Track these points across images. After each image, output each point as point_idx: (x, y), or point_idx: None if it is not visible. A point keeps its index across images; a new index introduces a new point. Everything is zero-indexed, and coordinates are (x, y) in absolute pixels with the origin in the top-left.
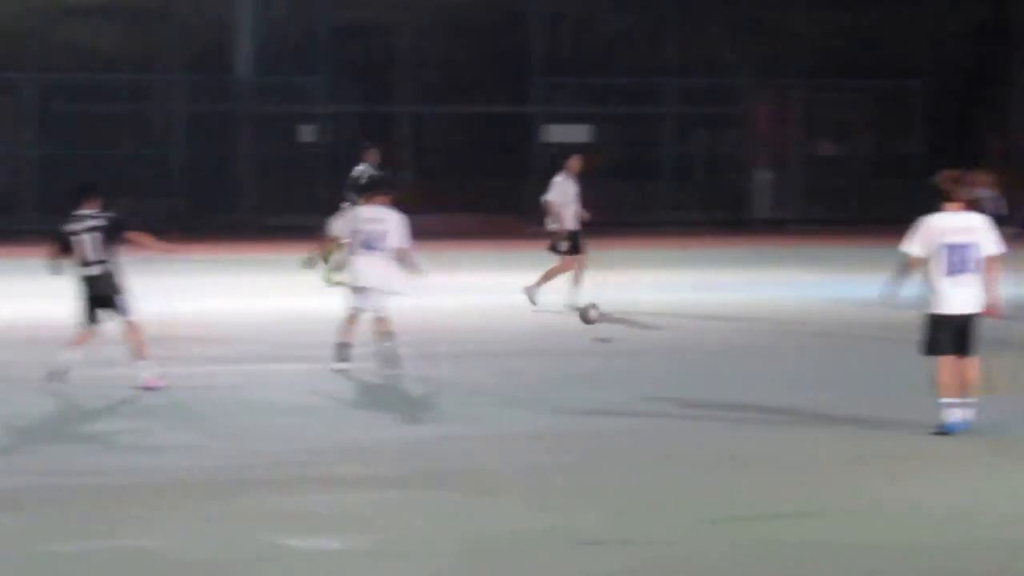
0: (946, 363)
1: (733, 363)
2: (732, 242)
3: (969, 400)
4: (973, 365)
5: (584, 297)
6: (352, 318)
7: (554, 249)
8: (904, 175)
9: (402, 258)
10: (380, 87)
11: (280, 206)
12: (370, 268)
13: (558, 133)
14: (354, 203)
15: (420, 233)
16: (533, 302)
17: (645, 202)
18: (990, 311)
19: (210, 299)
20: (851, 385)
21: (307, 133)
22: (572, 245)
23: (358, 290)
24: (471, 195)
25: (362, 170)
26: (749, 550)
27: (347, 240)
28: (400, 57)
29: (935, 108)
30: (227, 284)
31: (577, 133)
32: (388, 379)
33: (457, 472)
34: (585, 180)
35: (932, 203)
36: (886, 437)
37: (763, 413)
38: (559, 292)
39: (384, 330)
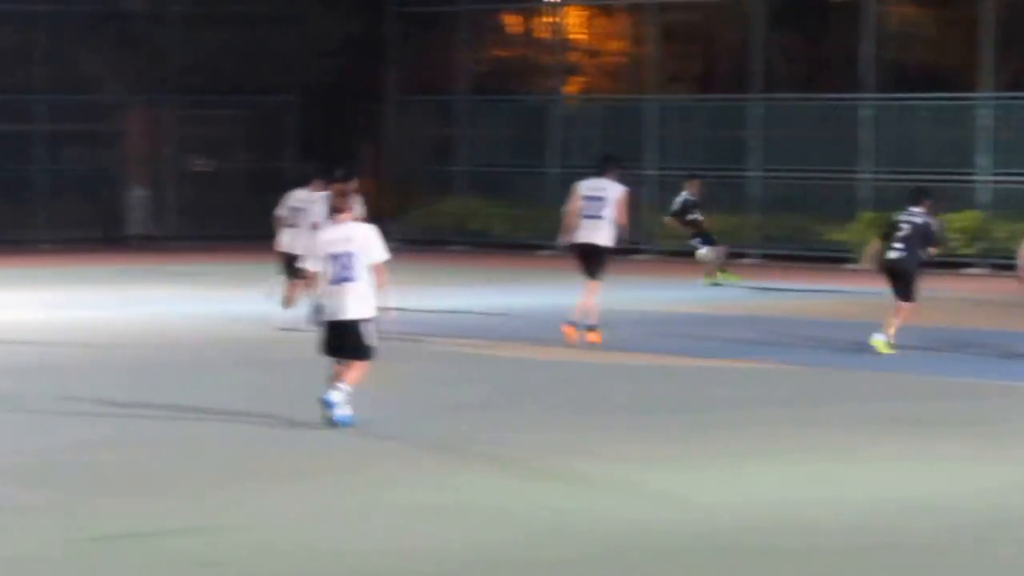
0: (337, 364)
1: (109, 379)
2: (108, 259)
3: (344, 387)
4: (360, 368)
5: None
6: None
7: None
8: (279, 190)
9: None
10: None
11: None
12: None
13: None
14: None
15: None
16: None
17: (19, 220)
18: (385, 316)
19: None
20: (242, 393)
21: None
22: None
23: None
24: None
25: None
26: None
27: None
28: None
29: (309, 123)
30: None
31: None
32: None
33: None
34: None
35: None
36: (293, 442)
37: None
38: None
39: None
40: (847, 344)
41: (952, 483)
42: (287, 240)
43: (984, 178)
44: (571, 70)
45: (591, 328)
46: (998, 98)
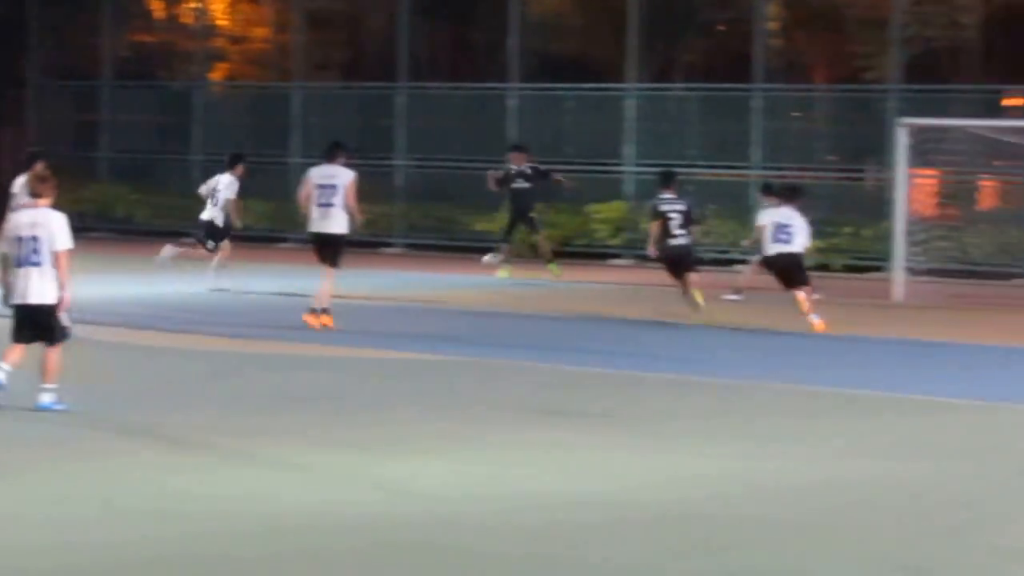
0: (14, 349)
1: None
2: None
3: (48, 387)
4: (53, 353)
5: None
6: None
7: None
8: None
9: None
10: None
11: None
12: None
13: None
14: None
15: None
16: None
17: None
18: (63, 303)
19: None
20: None
21: None
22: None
23: None
24: None
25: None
26: None
27: None
28: None
29: None
30: None
31: None
32: None
33: None
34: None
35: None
36: None
37: None
38: None
39: None
40: (495, 334)
41: (600, 475)
42: None
43: (630, 169)
44: (216, 56)
45: (324, 311)
46: (643, 89)
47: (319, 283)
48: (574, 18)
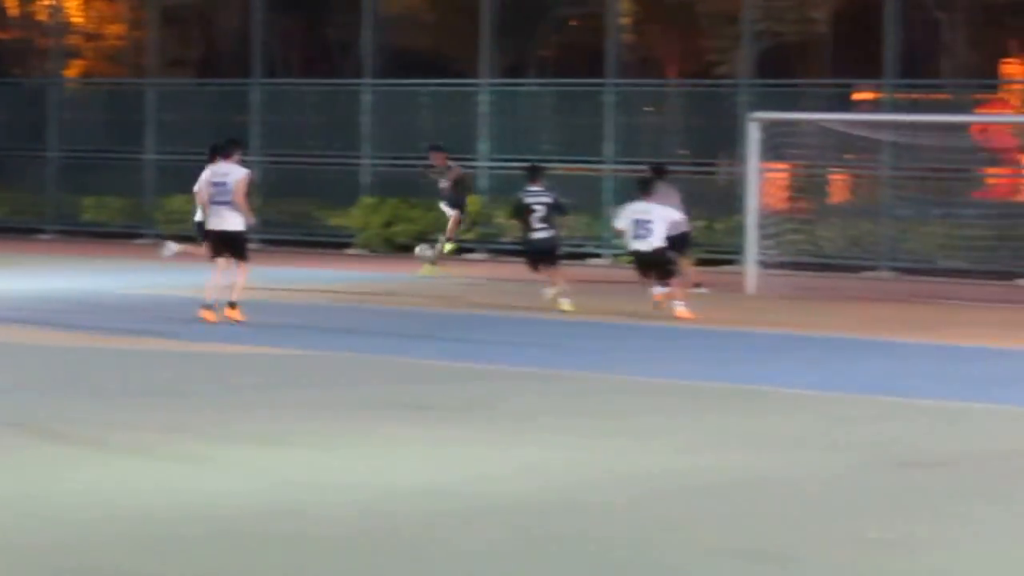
0: None
1: None
2: None
3: None
4: None
5: None
6: None
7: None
8: None
9: None
10: None
11: None
12: None
13: None
14: None
15: None
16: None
17: None
18: None
19: None
20: None
21: None
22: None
23: None
24: None
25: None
26: None
27: None
28: None
29: None
30: None
31: None
32: None
33: None
34: None
35: None
36: None
37: None
38: None
39: None
40: (355, 328)
41: (456, 467)
42: None
43: (484, 164)
44: (71, 53)
45: (232, 304)
46: (496, 84)
47: (211, 279)
48: (427, 14)
